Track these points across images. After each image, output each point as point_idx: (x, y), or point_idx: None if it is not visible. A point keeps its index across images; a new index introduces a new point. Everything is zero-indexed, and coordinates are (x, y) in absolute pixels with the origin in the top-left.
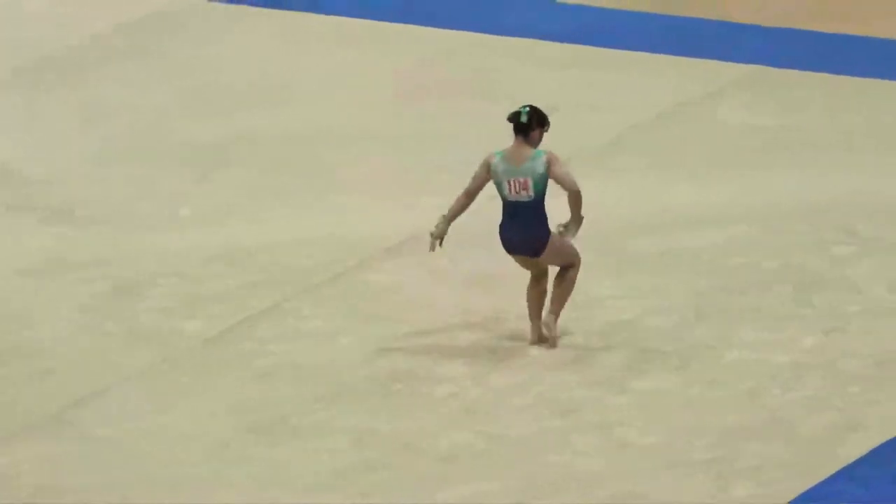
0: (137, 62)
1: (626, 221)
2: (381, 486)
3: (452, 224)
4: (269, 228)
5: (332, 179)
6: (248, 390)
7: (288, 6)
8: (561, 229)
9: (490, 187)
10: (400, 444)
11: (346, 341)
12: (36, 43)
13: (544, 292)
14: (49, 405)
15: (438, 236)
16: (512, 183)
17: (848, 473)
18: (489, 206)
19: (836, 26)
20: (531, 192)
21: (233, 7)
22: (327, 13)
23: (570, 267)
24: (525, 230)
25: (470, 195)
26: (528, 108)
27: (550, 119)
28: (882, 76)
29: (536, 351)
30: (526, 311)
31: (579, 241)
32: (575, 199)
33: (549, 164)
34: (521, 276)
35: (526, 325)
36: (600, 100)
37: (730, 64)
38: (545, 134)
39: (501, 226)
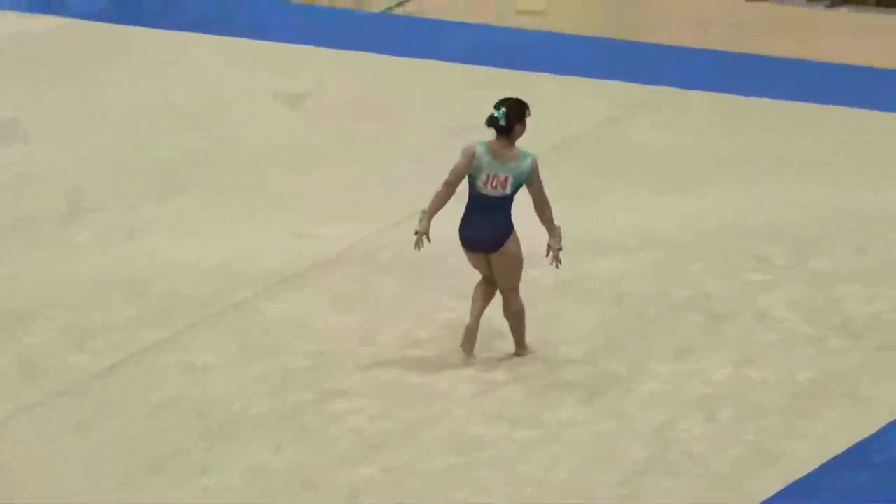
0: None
1: (530, 249)
2: None
3: (357, 251)
4: (166, 257)
5: (230, 206)
6: (142, 425)
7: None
8: (550, 249)
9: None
10: (298, 481)
11: (242, 374)
12: None
13: (492, 294)
14: None
15: (423, 232)
16: (491, 178)
17: None
18: (396, 234)
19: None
20: (507, 190)
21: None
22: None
23: (511, 296)
24: (489, 224)
25: (451, 186)
26: (503, 109)
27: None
28: (793, 98)
29: (444, 384)
30: (436, 336)
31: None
32: (551, 213)
33: (533, 171)
34: (429, 304)
35: (430, 356)
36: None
37: (637, 85)
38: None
39: (463, 221)
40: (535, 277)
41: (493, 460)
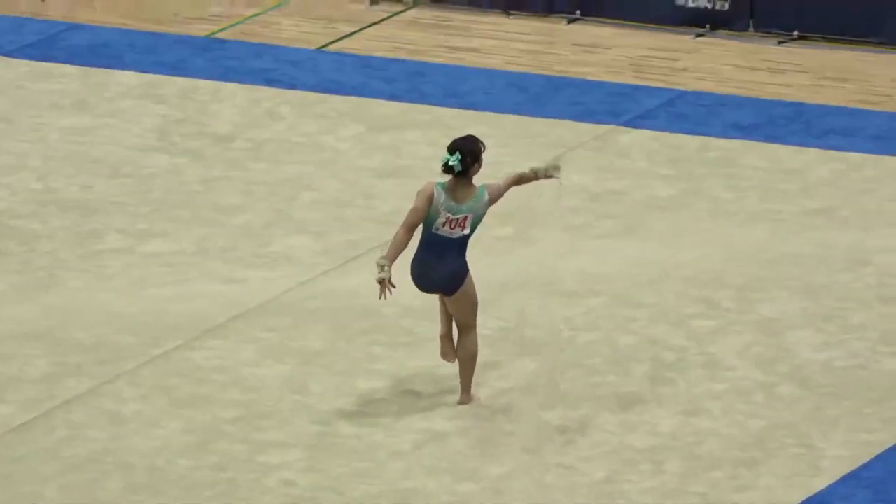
0: None
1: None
2: None
3: (288, 298)
4: (87, 305)
5: (150, 254)
6: (63, 481)
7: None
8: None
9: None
10: None
11: (168, 426)
12: None
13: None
14: None
15: (387, 279)
16: (450, 219)
17: None
18: (326, 282)
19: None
20: (466, 230)
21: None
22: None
23: (468, 333)
24: (444, 266)
25: (410, 230)
26: (458, 155)
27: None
28: (743, 137)
29: (379, 435)
30: (371, 386)
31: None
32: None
33: (491, 200)
34: (363, 353)
35: (364, 407)
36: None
37: (577, 124)
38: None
39: (416, 261)
40: (476, 324)
41: None
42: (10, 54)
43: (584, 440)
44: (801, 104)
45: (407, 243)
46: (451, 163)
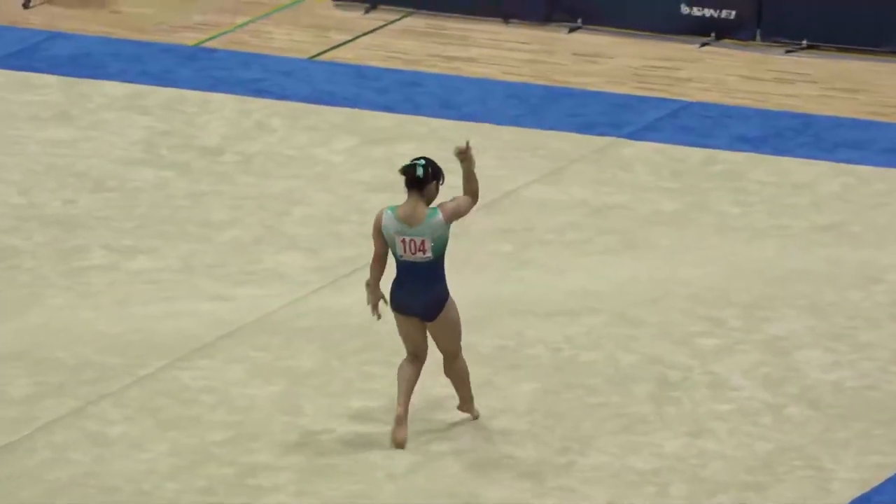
0: None
1: (464, 311)
2: None
3: (278, 316)
4: (70, 323)
5: (135, 271)
6: None
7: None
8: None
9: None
10: None
11: (155, 449)
12: None
13: (418, 374)
14: None
15: (376, 301)
16: (407, 243)
17: None
18: (318, 300)
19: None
20: (429, 253)
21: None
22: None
23: (453, 357)
24: (422, 292)
25: (379, 261)
26: (423, 161)
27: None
28: (749, 150)
29: (374, 457)
30: (364, 406)
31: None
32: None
33: (448, 216)
34: (355, 373)
35: (358, 428)
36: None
37: (577, 136)
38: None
39: (394, 286)
40: (473, 343)
41: None
42: None
43: (585, 462)
44: (809, 116)
45: (381, 271)
46: (415, 163)
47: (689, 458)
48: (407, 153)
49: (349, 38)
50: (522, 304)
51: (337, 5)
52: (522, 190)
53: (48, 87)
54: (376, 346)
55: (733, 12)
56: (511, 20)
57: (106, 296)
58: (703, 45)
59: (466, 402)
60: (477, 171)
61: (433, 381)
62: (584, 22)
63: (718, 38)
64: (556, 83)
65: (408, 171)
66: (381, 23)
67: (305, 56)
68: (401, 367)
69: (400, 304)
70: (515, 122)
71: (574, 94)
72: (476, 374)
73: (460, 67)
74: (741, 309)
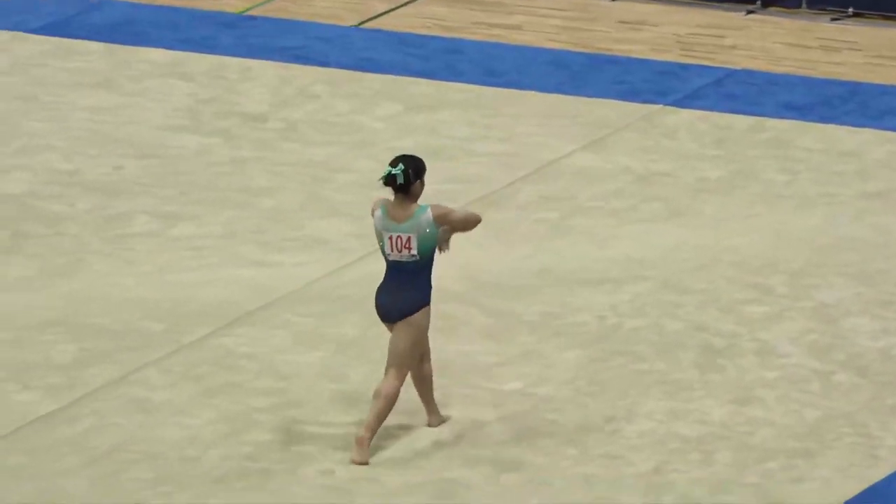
0: None
1: (509, 280)
2: None
3: (322, 284)
4: (114, 290)
5: (178, 237)
6: (91, 471)
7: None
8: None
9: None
10: None
11: (199, 415)
12: None
13: (429, 375)
14: None
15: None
16: (393, 240)
17: None
18: (361, 268)
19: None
20: (415, 252)
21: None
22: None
23: (393, 376)
24: (401, 292)
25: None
26: (401, 167)
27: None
28: (796, 117)
29: (418, 424)
30: (406, 379)
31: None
32: (474, 223)
33: (437, 219)
34: None
35: (401, 394)
36: (477, 146)
37: (622, 103)
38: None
39: (377, 291)
40: (517, 311)
41: None
42: (31, 31)
43: (631, 429)
44: (856, 83)
45: None
46: (393, 172)
47: (735, 426)
48: (448, 120)
49: (390, 6)
50: (567, 273)
51: None
52: (566, 158)
53: (91, 54)
54: None
55: None
56: None
57: (149, 262)
58: (749, 12)
59: (369, 431)
60: (520, 137)
61: (476, 346)
62: None
63: (764, 5)
64: (598, 51)
65: (388, 180)
66: None
67: (347, 24)
68: (412, 377)
69: (379, 310)
70: (558, 89)
71: (618, 61)
72: (521, 343)
73: (501, 35)
74: (788, 276)
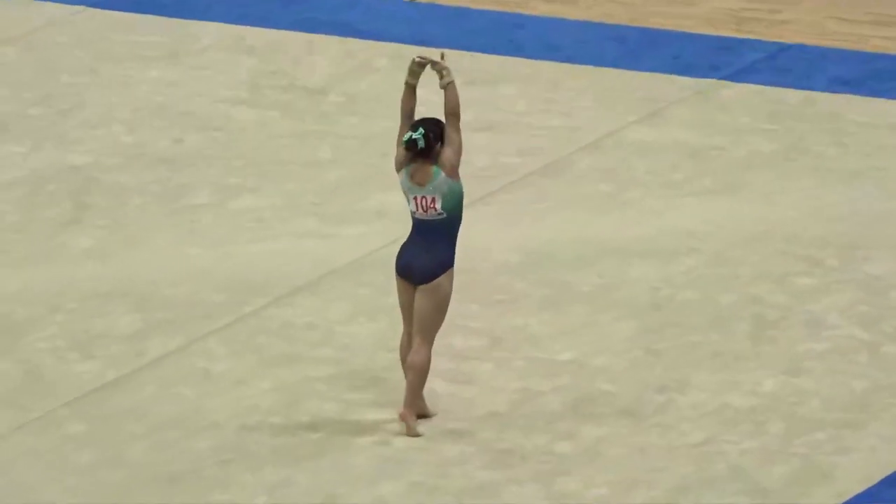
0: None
1: (564, 252)
2: None
3: (380, 255)
4: (174, 262)
5: (240, 209)
6: (152, 439)
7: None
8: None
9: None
10: (321, 498)
11: (259, 385)
12: None
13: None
14: None
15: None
16: (419, 200)
17: None
18: None
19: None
20: (440, 209)
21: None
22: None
23: (421, 343)
24: (426, 251)
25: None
26: (421, 130)
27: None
28: (847, 91)
29: (474, 395)
30: (465, 345)
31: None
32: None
33: (448, 173)
34: (457, 311)
35: (459, 365)
36: (535, 120)
37: (677, 77)
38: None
39: (403, 247)
40: (571, 282)
41: (529, 475)
42: (94, 5)
43: (684, 400)
44: None
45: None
46: (414, 137)
47: (786, 397)
48: (508, 94)
49: None
50: (621, 244)
51: None
52: (622, 131)
53: (154, 28)
54: (476, 285)
55: None
56: None
57: (211, 234)
58: None
59: (412, 405)
60: (577, 112)
61: (533, 319)
62: None
63: None
64: (654, 26)
65: (410, 145)
66: None
67: None
68: (402, 347)
69: (401, 262)
70: (615, 63)
71: (673, 36)
72: (576, 313)
73: (560, 10)
74: (838, 249)
